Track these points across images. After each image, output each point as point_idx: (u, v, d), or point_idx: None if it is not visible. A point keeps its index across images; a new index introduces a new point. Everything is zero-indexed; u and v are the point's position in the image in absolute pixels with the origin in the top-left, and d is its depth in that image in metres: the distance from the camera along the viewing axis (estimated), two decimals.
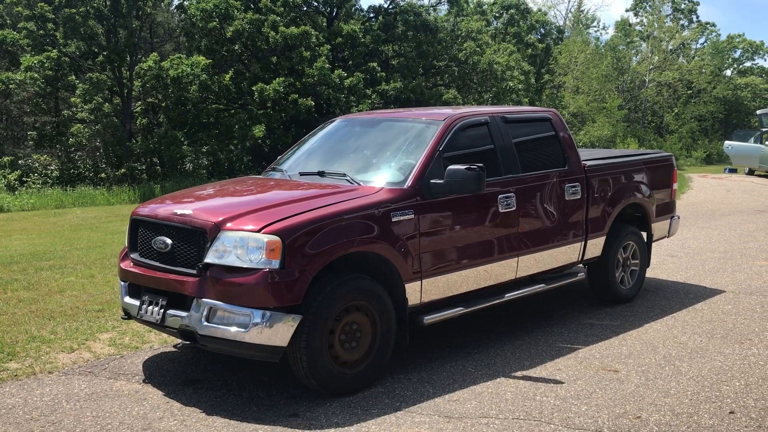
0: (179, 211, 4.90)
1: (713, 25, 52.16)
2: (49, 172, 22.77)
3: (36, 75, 21.65)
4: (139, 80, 22.70)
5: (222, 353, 4.87)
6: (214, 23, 22.81)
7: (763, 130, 23.90)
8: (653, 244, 7.60)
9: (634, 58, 44.85)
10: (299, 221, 4.53)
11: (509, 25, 42.07)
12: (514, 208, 5.69)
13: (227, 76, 23.12)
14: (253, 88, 22.04)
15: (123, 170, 22.16)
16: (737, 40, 53.31)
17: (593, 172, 6.60)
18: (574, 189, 6.31)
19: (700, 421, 4.22)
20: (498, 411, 4.40)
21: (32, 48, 22.50)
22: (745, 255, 9.40)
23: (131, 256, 5.15)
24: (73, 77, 23.27)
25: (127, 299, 5.08)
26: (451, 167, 5.08)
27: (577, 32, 46.21)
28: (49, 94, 24.04)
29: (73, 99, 23.27)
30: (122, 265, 5.20)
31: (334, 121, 6.61)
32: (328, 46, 24.19)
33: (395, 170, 5.33)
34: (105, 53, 22.65)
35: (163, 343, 5.84)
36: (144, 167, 23.48)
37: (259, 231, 4.44)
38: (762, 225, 12.15)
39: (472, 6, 37.90)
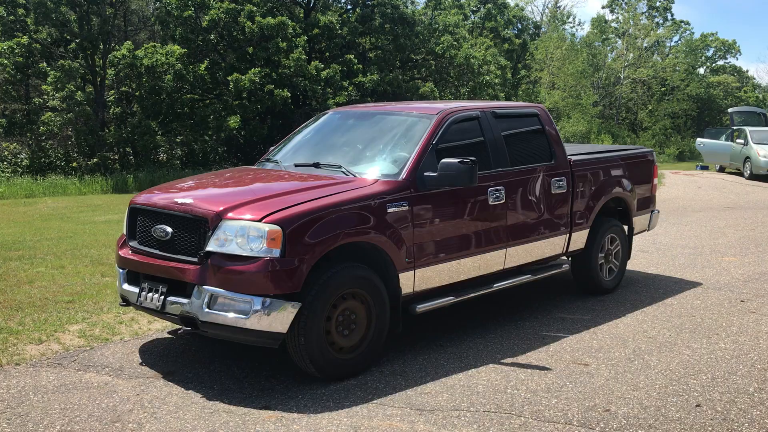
0: (180, 200, 4.97)
1: (687, 23, 52.78)
2: (18, 160, 22.38)
3: (6, 61, 21.26)
4: (113, 69, 22.38)
5: (222, 339, 4.92)
6: (190, 12, 22.56)
7: (734, 128, 24.24)
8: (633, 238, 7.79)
9: (609, 54, 45.25)
10: (299, 211, 4.63)
11: (486, 19, 42.19)
12: (503, 201, 5.86)
13: (202, 66, 22.87)
14: (229, 79, 21.84)
15: (95, 160, 21.87)
16: (710, 38, 54.03)
17: (578, 166, 6.78)
18: (560, 183, 6.49)
19: (668, 414, 4.28)
20: (469, 404, 4.42)
21: (2, 34, 22.07)
22: (715, 251, 9.55)
23: (130, 243, 5.21)
24: (45, 64, 22.89)
25: (126, 286, 5.14)
26: (444, 160, 5.21)
27: (554, 28, 46.48)
28: (20, 81, 23.63)
29: (44, 87, 22.88)
30: (121, 252, 5.26)
31: (325, 113, 6.71)
32: (305, 38, 24.04)
33: (390, 163, 5.46)
34: (77, 40, 22.29)
35: (134, 335, 5.79)
36: (117, 157, 23.18)
37: (260, 220, 4.53)
38: (731, 222, 12.35)
39: (449, 0, 37.93)
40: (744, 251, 9.55)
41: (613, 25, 49.14)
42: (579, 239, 6.80)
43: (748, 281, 7.76)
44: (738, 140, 22.87)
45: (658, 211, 8.26)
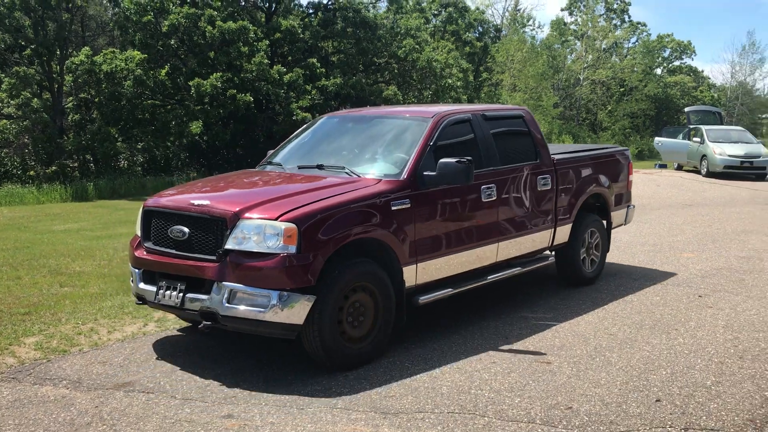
0: (197, 202, 5.19)
1: (644, 25, 53.80)
2: None
3: None
4: (71, 75, 21.94)
5: (241, 332, 5.12)
6: (149, 17, 22.26)
7: (691, 126, 24.75)
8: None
9: (569, 56, 45.87)
10: (312, 209, 4.90)
11: (448, 23, 42.44)
12: (494, 198, 6.21)
13: (163, 71, 22.55)
14: (190, 84, 21.60)
15: (54, 168, 21.42)
16: (666, 39, 55.14)
17: (561, 165, 7.17)
18: (545, 180, 6.87)
19: (628, 409, 4.34)
20: (434, 405, 4.43)
21: None
22: (673, 248, 9.72)
23: (145, 244, 5.41)
24: None
25: (142, 285, 5.32)
26: (442, 160, 5.53)
27: (514, 31, 46.95)
28: None
29: None
30: (136, 253, 5.45)
31: (321, 118, 7.05)
32: (267, 42, 23.89)
33: (391, 163, 5.76)
34: (33, 46, 21.81)
35: (93, 345, 5.68)
36: (76, 165, 22.73)
37: (276, 219, 4.79)
38: (689, 218, 12.60)
39: (411, 4, 38.08)
40: (701, 247, 9.75)
41: (572, 27, 49.86)
42: (563, 233, 7.19)
43: (705, 277, 7.92)
44: (695, 139, 23.35)
45: (634, 206, 8.72)
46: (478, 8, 48.32)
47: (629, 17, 54.14)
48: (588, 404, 4.42)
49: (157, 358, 5.37)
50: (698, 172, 22.81)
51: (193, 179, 22.26)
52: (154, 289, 5.20)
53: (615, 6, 53.98)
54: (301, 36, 25.03)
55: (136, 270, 5.43)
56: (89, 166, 22.73)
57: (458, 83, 28.87)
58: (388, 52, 27.01)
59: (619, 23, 53.33)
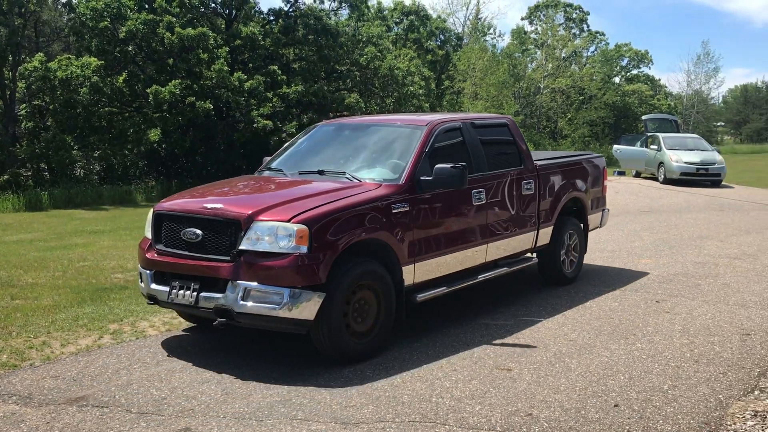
0: (210, 205, 5.42)
1: (602, 34, 54.90)
2: None
3: None
4: (24, 81, 21.45)
5: (255, 328, 5.38)
6: (106, 23, 21.88)
7: (648, 134, 25.23)
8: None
9: (529, 65, 46.46)
10: (322, 212, 5.18)
11: (409, 31, 42.65)
12: (484, 202, 6.57)
13: (120, 78, 22.16)
14: (148, 91, 21.26)
15: (6, 177, 20.87)
16: (624, 48, 56.28)
17: (543, 170, 7.56)
18: (528, 185, 7.24)
19: (587, 415, 4.36)
20: (395, 414, 4.40)
21: None
22: (631, 254, 9.87)
23: (156, 247, 5.61)
24: None
25: (154, 286, 5.52)
26: (438, 166, 5.86)
27: (475, 39, 47.40)
28: None
29: None
30: (147, 255, 5.63)
31: (316, 126, 7.34)
32: (227, 48, 23.68)
33: (390, 169, 6.06)
34: None
35: (45, 359, 5.51)
36: (30, 173, 22.19)
37: (288, 221, 5.05)
38: (647, 225, 12.82)
39: (372, 11, 38.16)
40: (659, 253, 9.91)
41: (533, 36, 50.58)
42: (545, 235, 7.58)
43: (662, 282, 8.05)
44: (652, 146, 23.81)
45: (608, 210, 9.13)
46: (439, 17, 48.69)
47: (588, 27, 55.19)
48: (548, 410, 4.43)
49: (111, 372, 5.24)
50: (656, 179, 23.25)
51: (152, 188, 21.92)
52: (166, 289, 5.40)
53: (574, 15, 54.95)
54: (262, 43, 24.87)
55: (147, 271, 5.62)
56: (43, 175, 22.19)
57: (420, 91, 29.01)
58: (350, 59, 26.99)
59: (578, 32, 54.29)
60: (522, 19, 54.64)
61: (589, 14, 56.20)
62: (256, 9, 27.19)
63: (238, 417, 4.39)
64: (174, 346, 5.83)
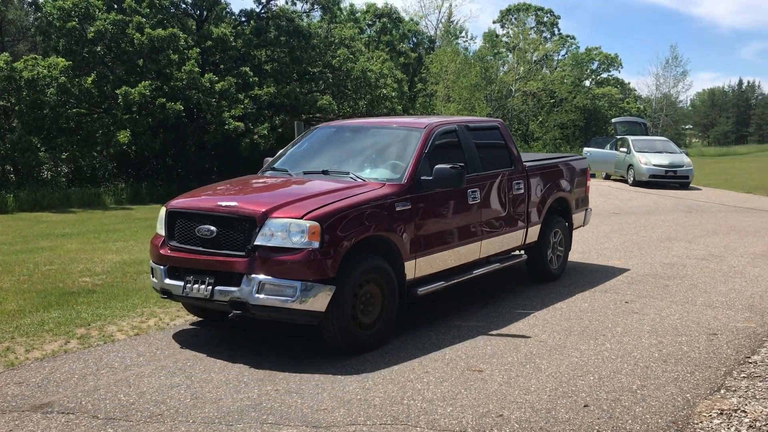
0: (224, 203, 5.67)
1: (573, 38, 55.53)
2: None
3: None
4: None
5: (269, 319, 5.63)
6: (74, 23, 21.54)
7: (618, 137, 25.54)
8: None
9: (501, 68, 46.79)
10: (332, 209, 5.44)
11: (382, 33, 42.70)
12: (478, 201, 6.89)
13: (89, 79, 21.81)
14: (118, 92, 20.96)
15: None
16: (594, 52, 56.92)
17: (532, 171, 7.91)
18: (518, 185, 7.59)
19: (557, 415, 4.39)
20: (366, 417, 4.38)
21: None
22: (601, 255, 9.97)
23: (170, 243, 5.84)
24: None
25: (168, 281, 5.76)
26: (438, 166, 6.16)
27: (447, 42, 47.60)
28: None
29: None
30: (161, 251, 5.86)
31: (316, 128, 7.61)
32: (198, 50, 23.45)
33: (392, 169, 6.36)
34: None
35: (9, 365, 5.40)
36: None
37: (301, 218, 5.31)
38: (617, 226, 12.96)
39: (345, 14, 38.13)
40: (628, 254, 10.03)
41: (504, 39, 50.95)
42: (533, 233, 7.91)
43: (632, 283, 8.14)
44: (621, 149, 24.10)
45: (591, 209, 9.50)
46: (412, 19, 48.83)
47: (559, 30, 55.77)
48: (519, 411, 4.45)
49: (78, 377, 5.14)
50: (625, 181, 23.54)
51: (121, 190, 21.63)
52: (180, 283, 5.63)
53: (545, 19, 55.48)
54: (234, 44, 24.70)
55: (161, 266, 5.85)
56: (9, 177, 21.76)
57: (393, 93, 29.03)
58: (322, 61, 26.92)
59: (549, 36, 54.82)
60: (494, 22, 55.05)
61: (559, 18, 56.81)
62: (228, 10, 27.01)
63: (208, 422, 4.34)
64: (143, 351, 5.74)
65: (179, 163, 23.93)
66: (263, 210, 5.41)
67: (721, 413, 4.44)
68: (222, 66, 25.11)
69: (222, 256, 5.46)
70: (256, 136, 22.84)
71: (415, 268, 6.12)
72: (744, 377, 5.09)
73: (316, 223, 5.28)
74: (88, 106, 22.54)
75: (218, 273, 5.47)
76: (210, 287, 5.44)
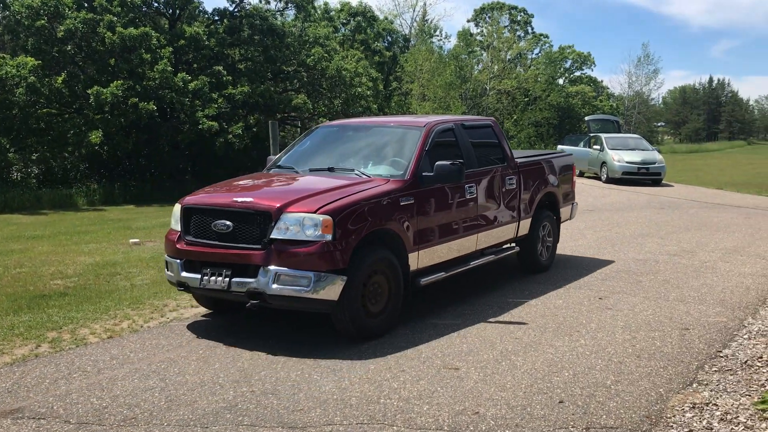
0: (239, 199, 5.93)
1: (546, 36, 55.93)
2: None
3: None
4: None
5: (285, 308, 5.93)
6: (43, 21, 21.22)
7: (591, 135, 25.79)
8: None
9: (476, 67, 46.99)
10: (343, 204, 5.73)
11: (356, 32, 42.67)
12: (475, 196, 7.25)
13: (60, 79, 21.52)
14: (89, 92, 20.70)
15: None
16: (568, 51, 57.41)
17: (523, 167, 8.27)
18: (511, 181, 7.95)
19: (533, 412, 4.42)
20: (342, 417, 4.37)
21: None
22: (575, 251, 10.05)
23: (186, 238, 6.10)
24: None
25: (185, 274, 6.00)
26: (438, 162, 6.49)
27: (422, 41, 47.69)
28: None
29: None
30: (177, 245, 6.10)
31: (318, 127, 7.92)
32: (171, 49, 23.22)
33: (395, 165, 6.66)
34: None
35: None
36: None
37: (315, 212, 5.58)
38: (590, 223, 13.08)
39: (319, 12, 38.02)
40: (601, 251, 10.12)
41: (478, 38, 51.16)
42: (525, 226, 8.28)
43: (605, 279, 8.22)
44: (595, 146, 24.35)
45: (577, 203, 9.94)
46: (386, 18, 48.84)
47: (532, 29, 56.11)
48: (494, 408, 4.47)
49: (49, 381, 5.07)
50: (599, 178, 23.78)
51: (94, 191, 21.34)
52: (197, 276, 5.86)
53: (519, 18, 55.80)
54: (207, 43, 24.51)
55: (177, 260, 6.08)
56: None
57: (368, 92, 29.01)
58: (296, 60, 26.81)
59: (522, 35, 55.15)
60: (468, 21, 55.24)
61: (533, 17, 57.17)
62: (200, 9, 26.82)
63: (183, 424, 4.30)
64: (116, 354, 5.67)
65: (153, 163, 23.70)
66: (278, 205, 5.67)
67: (694, 407, 4.50)
68: (195, 65, 24.91)
69: (239, 249, 5.72)
70: (230, 136, 22.69)
71: (418, 259, 6.43)
72: (715, 371, 5.17)
73: (328, 217, 5.55)
74: (58, 106, 22.23)
75: (235, 265, 5.72)
76: (227, 279, 5.68)
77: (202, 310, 7.03)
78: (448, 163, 6.47)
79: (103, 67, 22.17)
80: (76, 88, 21.76)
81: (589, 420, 4.29)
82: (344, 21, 43.62)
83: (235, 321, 6.63)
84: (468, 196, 7.12)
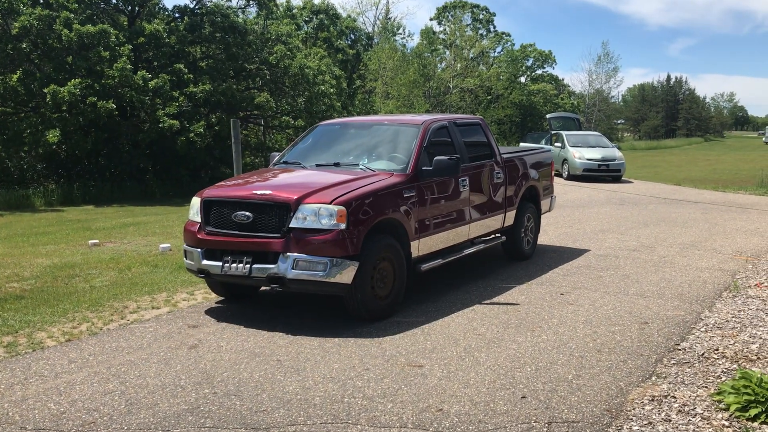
0: (259, 192, 6.38)
1: (508, 35, 56.40)
2: None
3: None
4: None
5: (302, 292, 6.49)
6: None
7: (552, 132, 26.09)
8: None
9: (438, 65, 47.17)
10: (355, 195, 6.23)
11: (319, 29, 42.50)
12: (467, 189, 7.83)
13: (15, 77, 20.99)
14: (46, 91, 20.23)
15: None
16: (529, 49, 58.00)
17: (508, 162, 8.93)
18: (498, 175, 8.58)
19: (496, 407, 4.45)
20: (306, 417, 4.35)
21: None
22: (537, 248, 10.15)
23: (206, 228, 6.55)
24: None
25: (206, 262, 6.46)
26: (437, 158, 7.04)
27: (385, 39, 47.72)
28: None
29: None
30: (198, 235, 6.56)
31: (318, 126, 8.44)
32: (130, 46, 22.82)
33: (397, 161, 7.20)
34: None
35: None
36: None
37: (330, 203, 6.08)
38: (552, 220, 13.23)
39: (281, 10, 37.76)
40: (563, 247, 10.24)
41: (441, 36, 51.35)
42: (510, 217, 8.91)
43: (566, 275, 8.32)
44: (556, 144, 24.62)
45: (555, 197, 10.59)
46: (349, 16, 48.74)
47: (494, 27, 56.53)
48: (458, 405, 4.49)
49: (5, 387, 4.94)
50: (560, 175, 24.04)
51: (52, 191, 20.88)
52: (218, 263, 6.34)
53: (481, 16, 56.15)
54: (167, 41, 24.15)
55: (198, 249, 6.54)
56: None
57: (332, 90, 28.88)
58: (259, 58, 26.57)
59: (485, 33, 55.52)
60: (431, 19, 55.43)
61: (495, 15, 57.59)
62: (160, 6, 26.41)
63: (144, 428, 4.23)
64: (74, 357, 5.56)
65: (113, 163, 23.26)
66: (296, 197, 6.14)
67: (653, 399, 4.58)
68: (156, 63, 24.52)
69: (259, 238, 6.18)
70: (192, 135, 22.38)
71: (418, 247, 6.95)
72: (674, 364, 5.27)
73: (342, 208, 6.04)
74: (13, 105, 21.70)
75: (255, 253, 6.19)
76: (248, 266, 6.14)
77: (163, 311, 6.94)
78: (446, 158, 7.01)
79: (60, 65, 21.70)
80: (32, 86, 21.25)
81: (551, 414, 4.34)
82: (307, 18, 43.41)
83: (196, 323, 6.55)
84: (462, 189, 7.70)
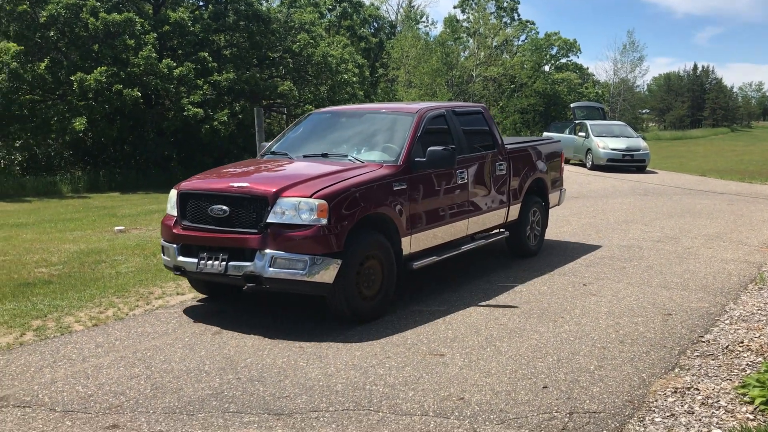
0: (236, 184, 5.97)
1: (533, 23, 55.85)
2: None
3: None
4: None
5: (281, 291, 6.22)
6: (25, 6, 20.96)
7: (576, 122, 25.86)
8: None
9: (462, 53, 46.92)
10: (338, 188, 5.81)
11: (343, 18, 42.43)
12: (466, 181, 7.35)
13: (42, 65, 21.28)
14: (73, 78, 20.50)
15: None
16: (554, 38, 57.38)
17: (513, 153, 8.40)
18: (501, 167, 8.07)
19: (517, 397, 4.46)
20: (328, 404, 4.39)
21: None
22: (560, 238, 10.11)
23: (182, 222, 6.13)
24: None
25: (181, 258, 6.07)
26: (431, 148, 6.55)
27: (408, 27, 47.53)
28: None
29: None
30: (174, 230, 6.16)
31: (310, 114, 7.98)
32: (155, 35, 23.01)
33: (388, 151, 6.74)
34: None
35: None
36: None
37: (310, 196, 5.66)
38: (575, 210, 13.16)
39: None
40: (586, 238, 10.19)
41: (465, 24, 51.02)
42: (514, 212, 8.40)
43: (589, 266, 8.28)
44: (580, 133, 24.42)
45: (565, 189, 10.08)
46: (372, 4, 48.62)
47: (519, 16, 56.01)
48: (479, 394, 4.50)
49: (34, 369, 5.05)
50: (584, 165, 23.87)
51: (78, 178, 21.20)
52: (193, 260, 5.95)
53: (505, 4, 55.65)
54: (192, 29, 24.30)
55: (174, 245, 6.14)
56: None
57: (354, 79, 28.90)
58: (282, 46, 26.65)
59: (509, 21, 55.03)
60: (454, 7, 54.98)
61: (519, 3, 57.02)
62: None
63: (169, 412, 4.31)
64: (101, 342, 5.66)
65: (138, 151, 23.53)
66: (274, 190, 5.73)
67: (675, 391, 4.56)
68: (180, 51, 24.69)
69: (235, 234, 5.79)
70: (216, 123, 22.55)
71: (410, 243, 6.53)
72: (697, 356, 5.24)
73: (324, 202, 5.64)
74: (41, 93, 22.01)
75: (231, 249, 5.79)
76: (224, 263, 5.76)
77: (188, 297, 7.03)
78: (441, 148, 6.54)
79: (87, 53, 21.94)
80: (60, 74, 21.53)
81: (572, 405, 4.34)
82: (330, 7, 43.35)
83: (220, 309, 6.63)
84: (459, 182, 7.22)
